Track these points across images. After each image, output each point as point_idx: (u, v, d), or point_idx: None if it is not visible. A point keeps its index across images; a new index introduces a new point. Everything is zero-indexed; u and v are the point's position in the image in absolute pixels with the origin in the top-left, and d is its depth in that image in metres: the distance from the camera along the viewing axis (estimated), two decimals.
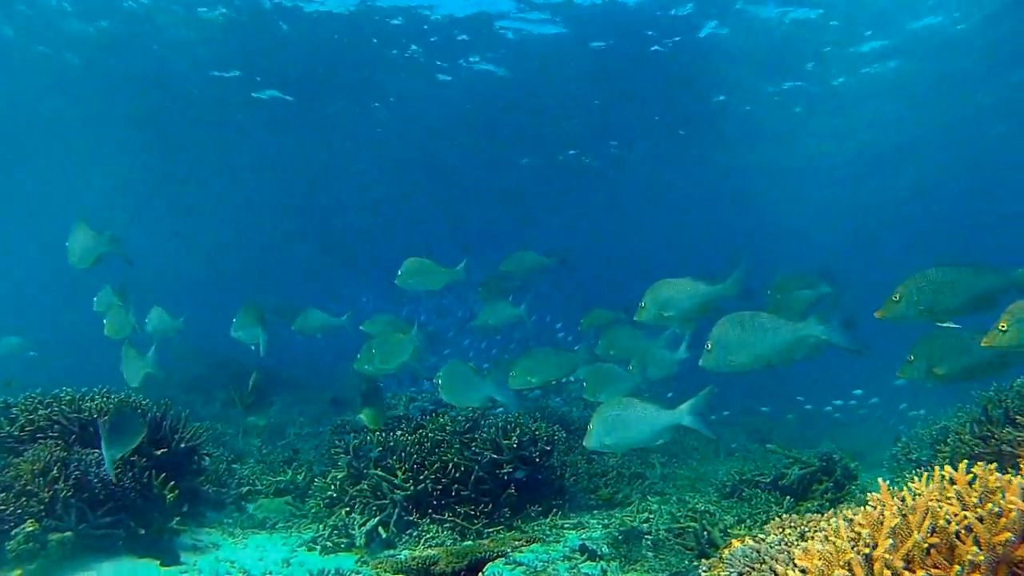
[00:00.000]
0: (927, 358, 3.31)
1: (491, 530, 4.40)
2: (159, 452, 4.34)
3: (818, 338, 3.00)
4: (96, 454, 3.96)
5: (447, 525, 4.39)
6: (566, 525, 4.63)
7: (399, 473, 4.61)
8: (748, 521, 3.91)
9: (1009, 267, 3.21)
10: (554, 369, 4.81)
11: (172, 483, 4.18)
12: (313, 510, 4.76)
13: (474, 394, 4.59)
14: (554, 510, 4.78)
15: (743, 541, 2.13)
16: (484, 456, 4.65)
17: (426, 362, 6.03)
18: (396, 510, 4.41)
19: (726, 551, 2.11)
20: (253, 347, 4.98)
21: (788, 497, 4.55)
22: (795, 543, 2.03)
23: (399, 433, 4.94)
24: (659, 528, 4.02)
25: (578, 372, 5.03)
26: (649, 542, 3.87)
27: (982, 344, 2.99)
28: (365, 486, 4.60)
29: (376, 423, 4.33)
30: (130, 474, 4.05)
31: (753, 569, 1.94)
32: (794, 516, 2.44)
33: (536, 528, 4.48)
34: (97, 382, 4.57)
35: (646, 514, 4.69)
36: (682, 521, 3.91)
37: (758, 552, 1.97)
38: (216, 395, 7.78)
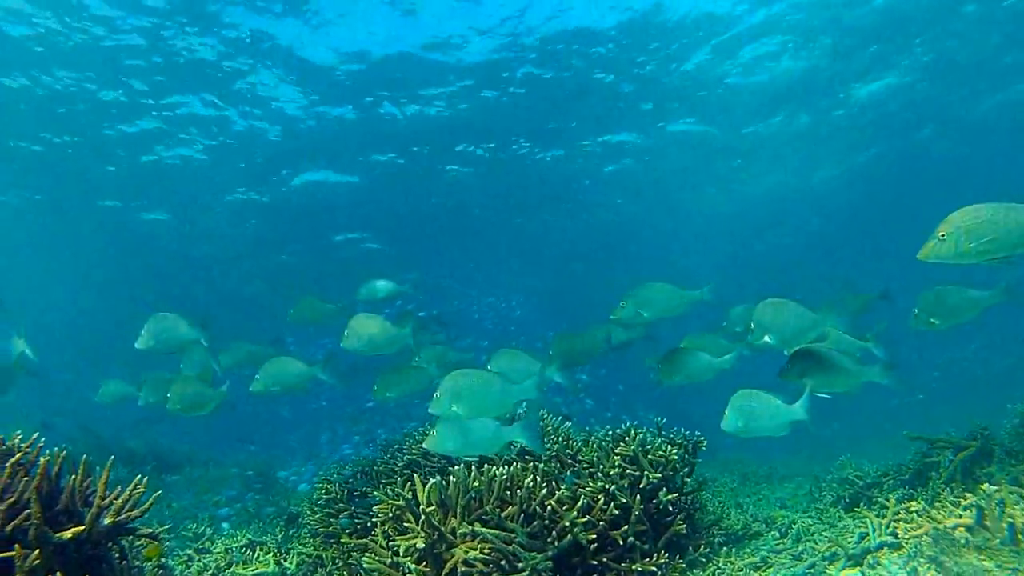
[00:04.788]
0: (928, 311, 3.48)
1: None
2: (67, 535, 1.90)
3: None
4: None
5: None
6: (744, 565, 3.14)
7: (517, 526, 2.72)
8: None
9: None
10: (410, 384, 4.49)
11: None
12: None
13: (496, 438, 2.97)
14: (721, 550, 3.27)
15: None
16: (645, 480, 2.99)
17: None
18: None
19: None
20: None
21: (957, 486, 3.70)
22: None
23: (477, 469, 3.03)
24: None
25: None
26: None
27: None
28: (473, 556, 2.60)
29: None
30: None
31: None
32: None
33: None
34: None
35: (827, 540, 3.41)
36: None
37: None
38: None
